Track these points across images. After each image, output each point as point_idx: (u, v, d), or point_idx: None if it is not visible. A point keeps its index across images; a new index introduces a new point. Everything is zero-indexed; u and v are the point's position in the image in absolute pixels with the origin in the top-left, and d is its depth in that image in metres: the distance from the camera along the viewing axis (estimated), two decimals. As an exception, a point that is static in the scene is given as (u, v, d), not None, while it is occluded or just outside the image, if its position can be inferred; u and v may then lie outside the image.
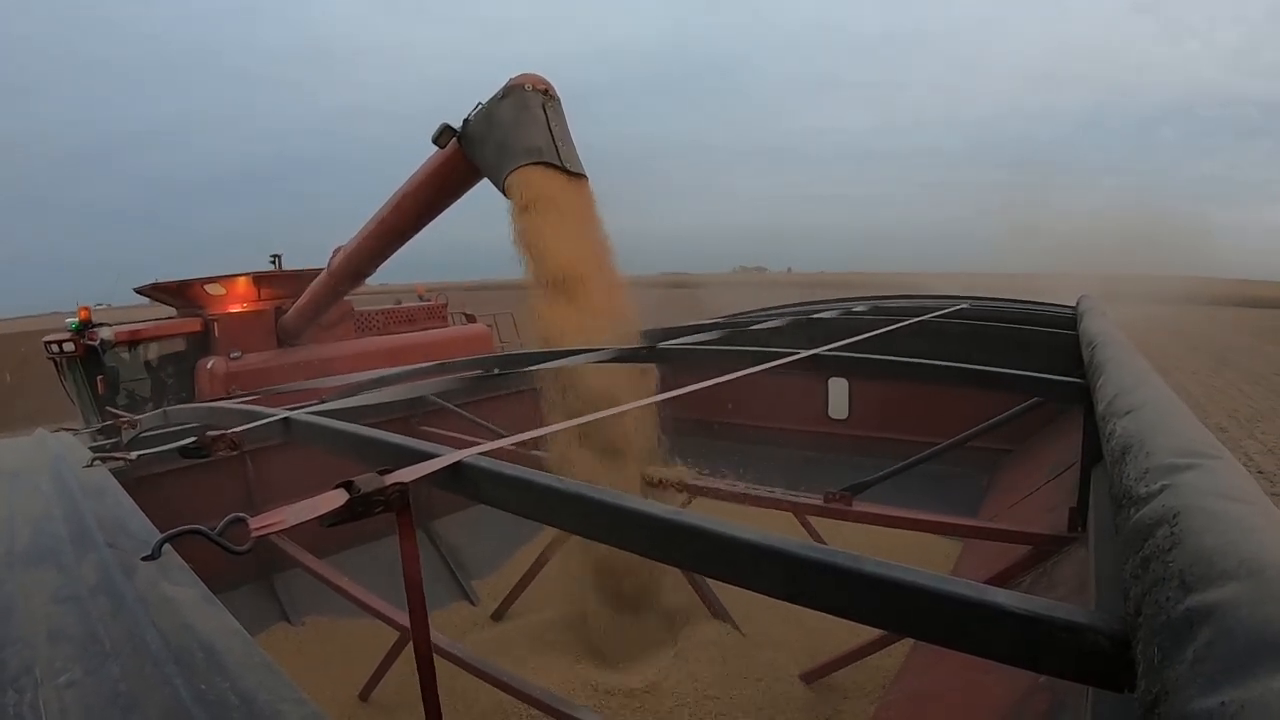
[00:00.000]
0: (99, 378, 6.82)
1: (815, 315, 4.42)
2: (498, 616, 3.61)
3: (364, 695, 2.90)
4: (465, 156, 3.60)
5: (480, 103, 3.51)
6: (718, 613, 3.14)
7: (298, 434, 1.84)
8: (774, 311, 5.56)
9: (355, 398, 2.67)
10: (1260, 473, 7.16)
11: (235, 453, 1.73)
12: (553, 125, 3.39)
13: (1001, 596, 0.72)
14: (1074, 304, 4.58)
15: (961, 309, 4.50)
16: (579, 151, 3.53)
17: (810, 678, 2.72)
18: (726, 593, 3.13)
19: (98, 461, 2.01)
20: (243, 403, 2.87)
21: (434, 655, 2.29)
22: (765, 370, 2.27)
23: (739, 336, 3.81)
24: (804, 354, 2.46)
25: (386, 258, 5.16)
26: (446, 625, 3.54)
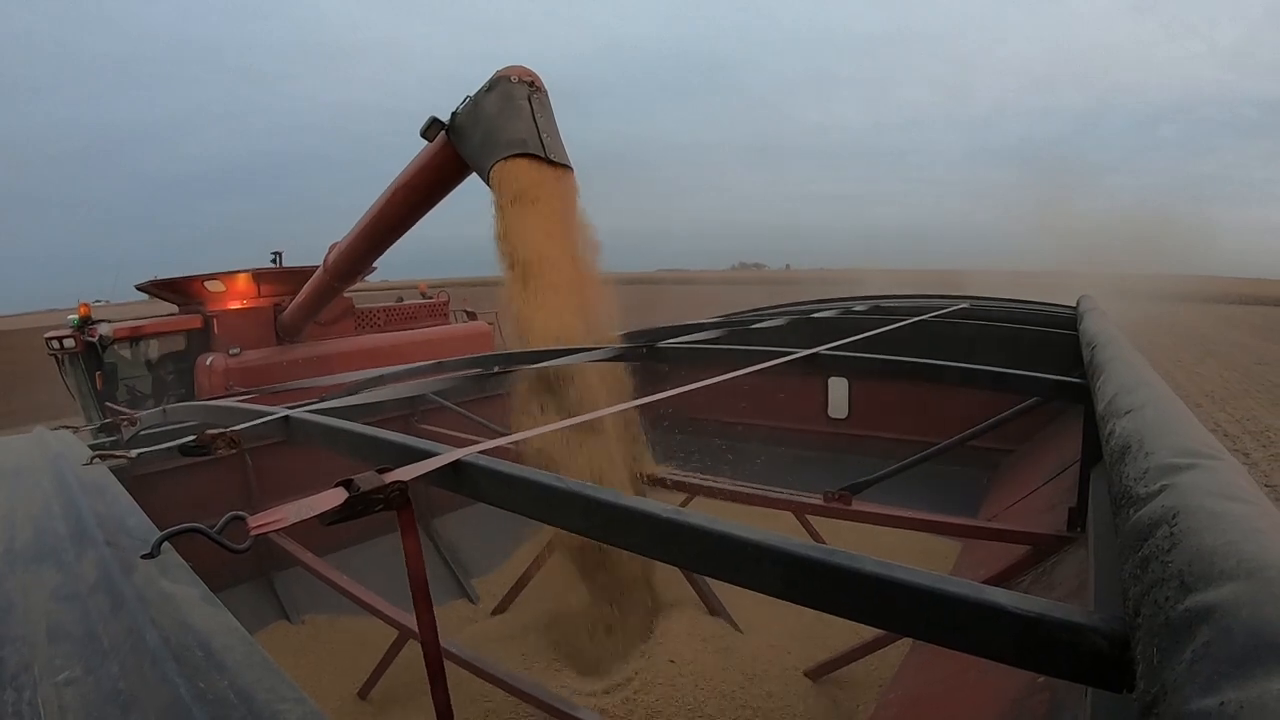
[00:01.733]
0: (98, 374, 6.83)
1: (815, 314, 4.42)
2: (498, 613, 3.62)
3: (363, 693, 2.90)
4: (453, 150, 3.58)
5: (468, 96, 3.49)
6: (716, 610, 3.14)
7: (297, 432, 1.84)
8: (773, 311, 5.56)
9: (355, 396, 2.67)
10: (1226, 435, 8.56)
11: (235, 451, 1.73)
12: (538, 117, 3.36)
13: (1001, 596, 0.72)
14: (1074, 304, 4.59)
15: (961, 309, 4.50)
16: (570, 146, 3.52)
17: (815, 674, 2.72)
18: (728, 588, 3.13)
19: (97, 459, 2.01)
20: (242, 400, 2.87)
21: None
22: (765, 370, 2.27)
23: (738, 336, 3.81)
24: (803, 353, 2.47)
25: (381, 253, 5.14)
26: (446, 623, 3.54)
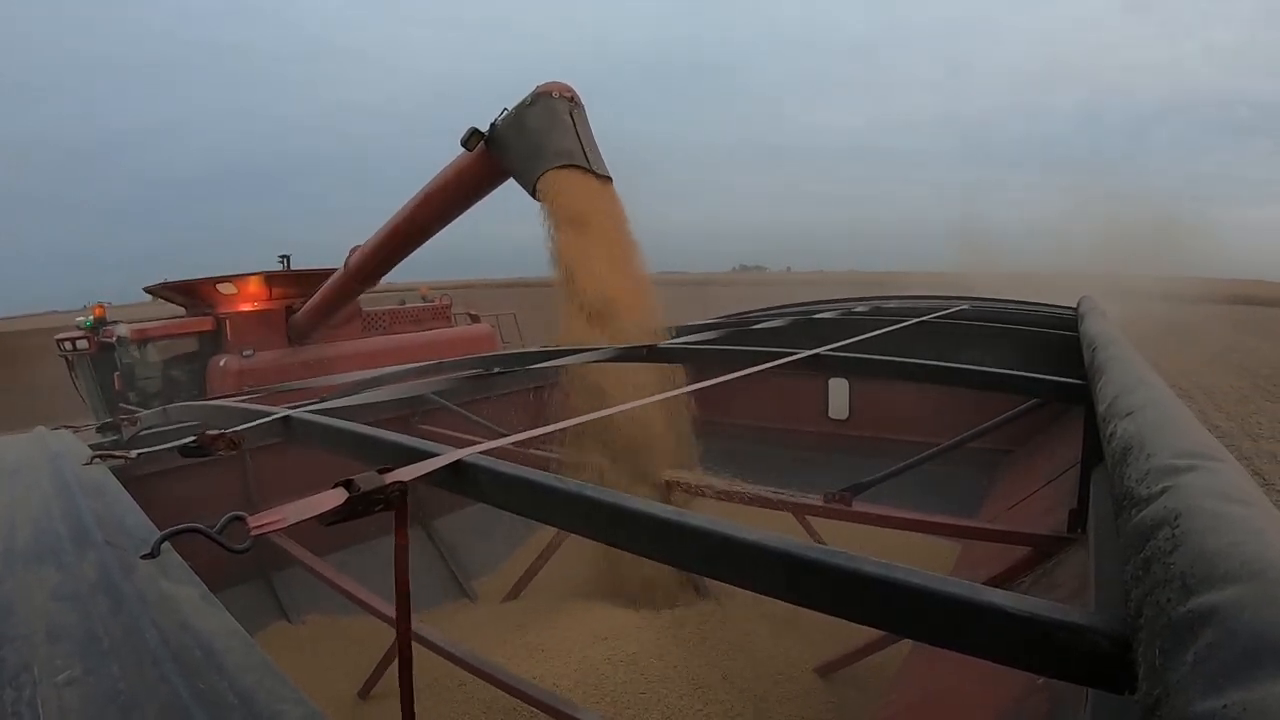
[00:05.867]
0: (115, 375, 6.86)
1: (816, 315, 4.42)
2: (509, 600, 3.64)
3: (363, 693, 2.90)
4: (491, 159, 3.72)
5: (506, 108, 3.64)
6: (719, 602, 3.14)
7: (297, 432, 1.83)
8: (774, 311, 5.57)
9: (355, 396, 2.67)
10: (1182, 390, 10.77)
11: (235, 452, 1.73)
12: (580, 131, 3.53)
13: (1001, 597, 0.72)
14: (1074, 305, 4.58)
15: (962, 309, 4.50)
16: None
17: (825, 671, 2.72)
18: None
19: (97, 459, 2.01)
20: (243, 401, 2.87)
21: (433, 653, 2.29)
22: (765, 370, 2.27)
23: (739, 336, 3.81)
24: (804, 354, 2.46)
25: (405, 256, 5.25)
26: (445, 623, 3.54)
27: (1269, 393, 11.41)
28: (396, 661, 1.17)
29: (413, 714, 1.17)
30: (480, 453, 1.23)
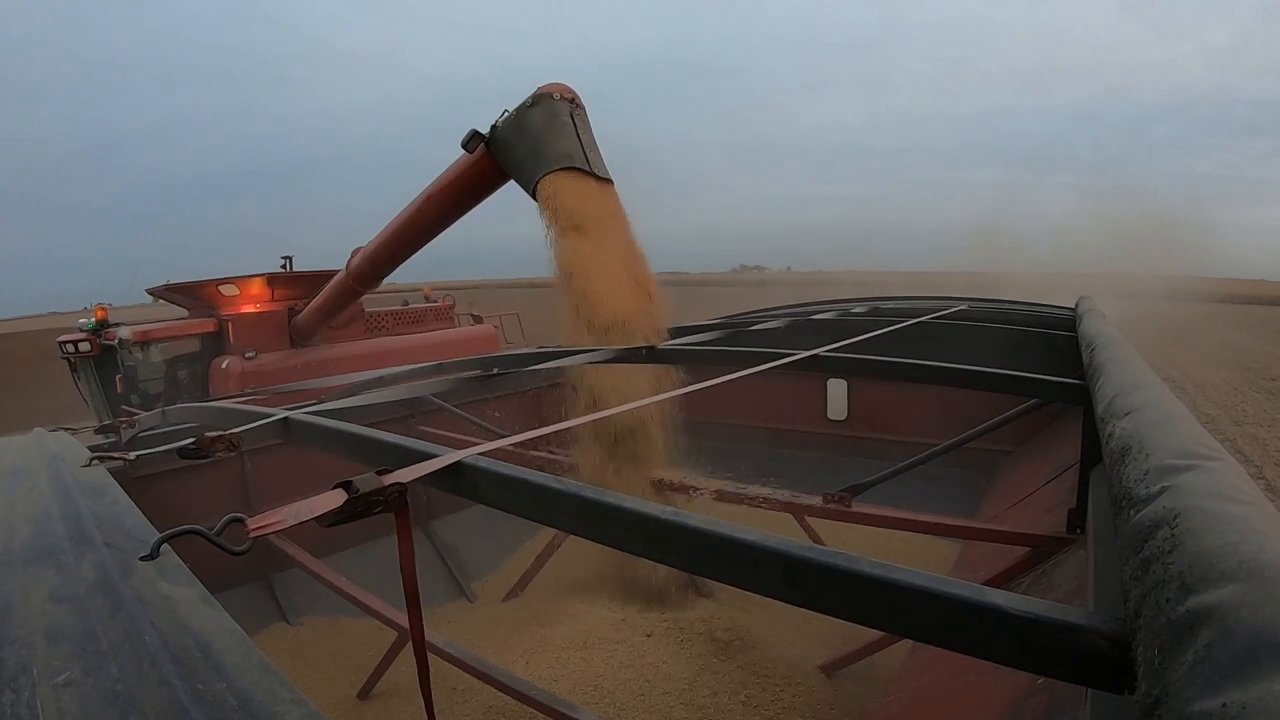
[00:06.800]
0: (117, 377, 6.85)
1: (814, 316, 4.43)
2: (509, 599, 3.64)
3: (362, 694, 2.90)
4: (492, 161, 3.70)
5: (507, 110, 3.61)
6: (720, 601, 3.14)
7: (296, 434, 1.83)
8: (773, 312, 5.57)
9: (354, 398, 2.67)
10: (1175, 382, 11.93)
11: (234, 453, 1.73)
12: (580, 133, 3.50)
13: (1000, 598, 0.72)
14: (1073, 305, 4.59)
15: (960, 310, 4.50)
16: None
17: (830, 669, 2.72)
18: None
19: (96, 461, 2.01)
20: (242, 402, 2.88)
21: (432, 654, 2.29)
22: (764, 371, 2.27)
23: (738, 337, 3.82)
24: (803, 355, 2.47)
25: (406, 259, 5.23)
26: (444, 624, 3.54)
27: (1258, 385, 12.32)
28: (415, 663, 1.16)
29: (433, 713, 1.17)
30: (479, 454, 1.23)
